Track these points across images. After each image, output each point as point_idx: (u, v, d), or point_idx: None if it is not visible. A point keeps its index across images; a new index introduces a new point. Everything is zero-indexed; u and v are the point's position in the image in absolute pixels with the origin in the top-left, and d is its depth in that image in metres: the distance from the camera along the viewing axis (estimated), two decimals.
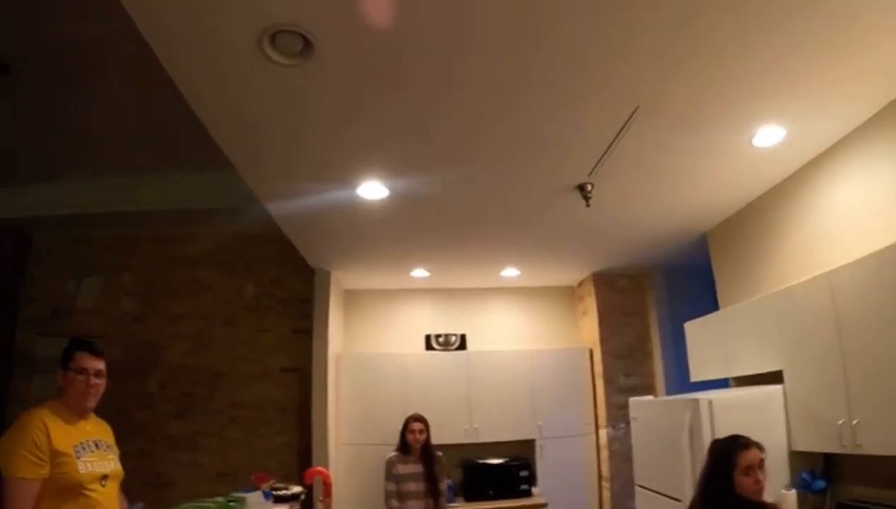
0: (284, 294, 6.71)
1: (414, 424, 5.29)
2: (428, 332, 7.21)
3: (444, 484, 5.30)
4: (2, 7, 3.48)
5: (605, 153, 3.74)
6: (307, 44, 2.55)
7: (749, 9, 2.46)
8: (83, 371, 2.74)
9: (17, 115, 4.68)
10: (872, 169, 3.49)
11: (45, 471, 2.48)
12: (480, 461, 6.47)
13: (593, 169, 3.98)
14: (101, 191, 5.98)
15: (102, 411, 2.92)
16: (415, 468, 5.18)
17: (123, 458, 2.93)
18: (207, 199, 5.92)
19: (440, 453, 5.32)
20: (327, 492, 4.10)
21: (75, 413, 2.74)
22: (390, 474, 5.19)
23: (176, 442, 6.29)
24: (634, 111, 3.25)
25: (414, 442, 5.24)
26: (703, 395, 3.83)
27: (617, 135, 3.51)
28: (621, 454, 6.16)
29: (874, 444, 3.06)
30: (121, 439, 2.99)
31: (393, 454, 5.30)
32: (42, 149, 5.34)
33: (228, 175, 4.13)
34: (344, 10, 2.37)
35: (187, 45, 2.58)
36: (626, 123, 3.37)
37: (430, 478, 5.12)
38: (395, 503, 5.07)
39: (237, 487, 3.57)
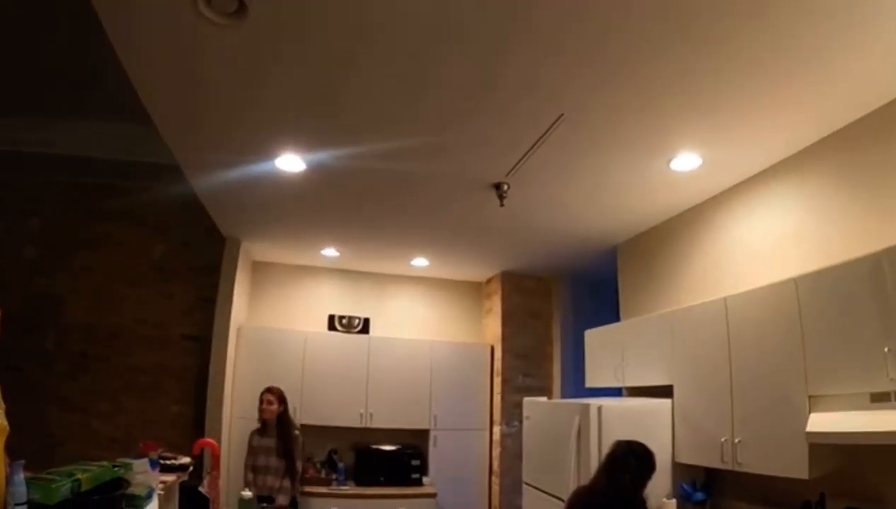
0: (193, 259, 6.47)
1: (264, 395, 5.13)
2: (332, 313, 7.15)
3: (299, 462, 5.04)
4: None
5: (525, 155, 3.79)
6: (241, 5, 2.49)
7: (671, 41, 2.59)
8: None
9: None
10: (775, 208, 3.74)
11: None
12: (374, 446, 6.48)
13: (512, 169, 4.03)
14: (15, 129, 5.66)
15: None
16: (269, 442, 5.02)
17: (13, 415, 2.80)
18: (126, 152, 5.69)
19: (297, 431, 5.14)
20: (215, 465, 4.03)
21: None
22: (248, 447, 5.12)
23: (69, 403, 5.99)
24: (559, 118, 3.30)
25: (264, 414, 5.09)
26: (594, 401, 3.98)
27: (539, 139, 3.56)
28: (513, 451, 6.31)
29: (753, 463, 3.28)
30: (12, 396, 2.85)
31: (256, 427, 5.21)
32: None
33: (151, 130, 3.99)
34: None
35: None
36: (549, 129, 3.42)
37: (285, 454, 4.93)
38: (249, 476, 4.96)
39: (128, 453, 3.46)
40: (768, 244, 3.77)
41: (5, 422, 2.74)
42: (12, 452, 2.74)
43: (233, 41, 2.78)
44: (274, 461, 4.92)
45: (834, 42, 2.56)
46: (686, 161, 3.77)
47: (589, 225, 5.15)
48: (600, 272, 6.21)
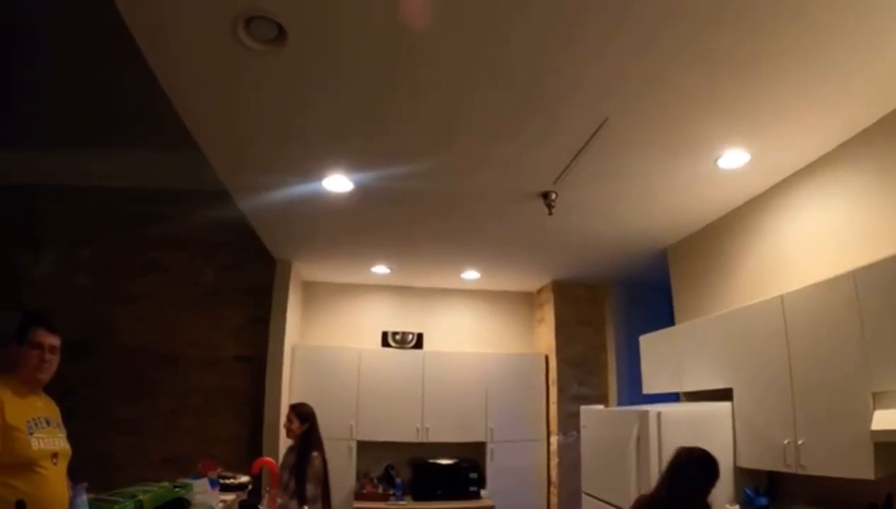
0: (243, 281, 6.60)
1: (288, 413, 4.76)
2: (385, 329, 7.20)
3: (311, 485, 4.36)
4: None
5: (571, 162, 3.77)
6: (281, 31, 2.55)
7: (724, 43, 2.55)
8: (38, 345, 2.70)
9: None
10: (829, 199, 3.62)
11: None
12: (431, 460, 6.48)
13: (559, 177, 4.02)
14: (64, 162, 5.87)
15: (50, 389, 2.87)
16: (290, 458, 4.62)
17: (70, 438, 2.88)
18: (173, 180, 5.85)
19: (316, 453, 4.53)
20: (273, 483, 4.08)
21: (28, 388, 2.69)
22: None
23: (124, 425, 6.16)
24: (603, 123, 3.28)
25: (287, 433, 4.72)
26: (652, 408, 3.90)
27: (584, 146, 3.54)
28: (571, 461, 6.22)
29: (817, 465, 3.16)
30: (68, 418, 2.93)
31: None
32: (7, 112, 5.20)
33: (197, 157, 4.09)
34: (321, 1, 2.38)
35: (164, 28, 2.56)
36: (594, 134, 3.40)
37: (297, 474, 4.43)
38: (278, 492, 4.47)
39: (183, 474, 3.53)
40: (822, 237, 3.66)
41: (68, 446, 2.84)
42: (73, 474, 2.83)
43: (275, 67, 2.85)
44: (286, 477, 4.52)
45: (887, 27, 2.48)
46: (733, 158, 3.69)
47: (638, 228, 5.09)
48: (652, 276, 6.13)
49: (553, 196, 4.28)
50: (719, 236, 4.75)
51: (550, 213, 4.37)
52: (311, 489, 4.39)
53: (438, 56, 2.73)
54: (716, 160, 3.73)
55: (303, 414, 4.72)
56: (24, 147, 5.77)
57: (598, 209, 4.67)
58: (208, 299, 6.52)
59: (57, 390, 2.90)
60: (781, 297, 3.52)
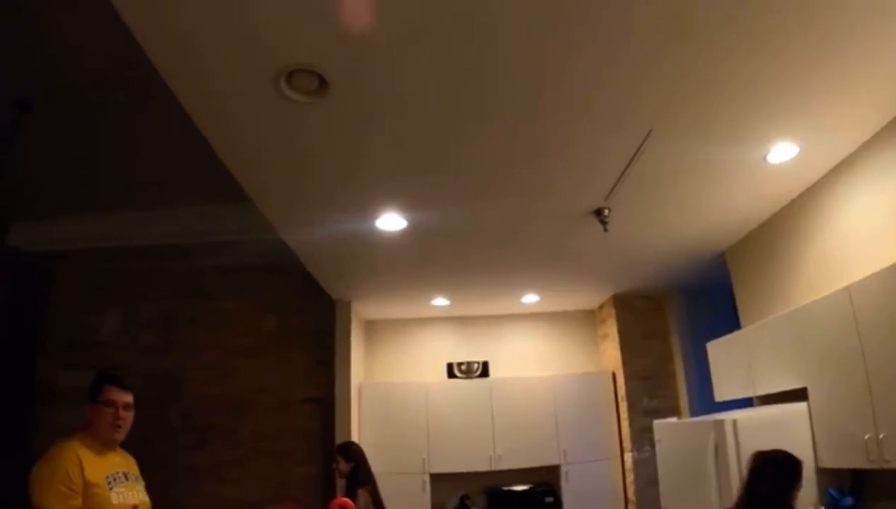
0: (305, 325, 6.71)
1: (335, 454, 4.96)
2: (449, 360, 7.21)
3: None
4: (23, 48, 3.60)
5: (620, 177, 3.76)
6: (322, 82, 2.62)
7: (760, 28, 2.49)
8: (112, 403, 2.79)
9: (36, 151, 4.78)
10: (886, 180, 3.48)
11: (78, 503, 2.51)
12: (505, 488, 6.42)
13: (609, 193, 4.00)
14: (120, 224, 6.07)
15: (125, 442, 2.94)
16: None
17: (147, 489, 2.95)
18: (229, 232, 5.99)
19: (362, 489, 4.60)
20: None
21: (104, 445, 2.78)
22: None
23: (198, 473, 6.27)
24: (648, 134, 3.27)
25: (336, 473, 4.90)
26: (727, 415, 3.81)
27: (632, 159, 3.53)
28: (647, 477, 6.07)
29: None
30: (143, 470, 3.01)
31: None
32: (62, 184, 5.45)
33: (247, 206, 4.19)
34: (358, 51, 2.45)
35: (206, 85, 2.66)
36: (640, 146, 3.39)
37: None
38: None
39: None
40: (883, 220, 3.51)
41: (147, 498, 2.91)
42: None
43: (321, 115, 2.92)
44: None
45: None
46: (782, 151, 3.60)
47: (693, 234, 5.00)
48: (713, 281, 5.99)
49: (606, 212, 4.26)
50: (777, 232, 4.62)
51: (606, 230, 4.35)
52: None
53: (492, 89, 2.79)
54: (765, 156, 3.65)
55: (348, 453, 4.89)
56: (88, 214, 6.01)
57: (652, 218, 4.62)
58: (273, 344, 6.65)
59: (131, 443, 2.98)
60: (848, 289, 3.40)
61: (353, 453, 4.92)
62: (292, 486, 6.09)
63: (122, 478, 2.76)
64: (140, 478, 2.95)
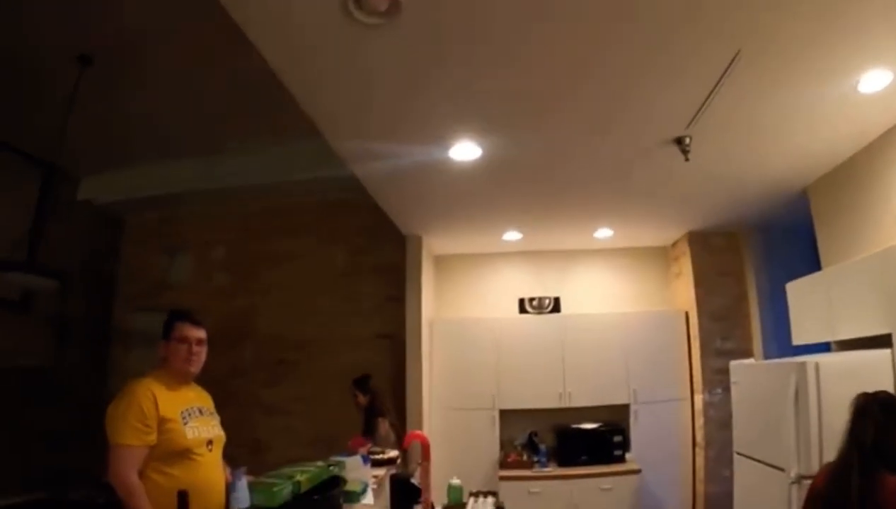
0: (376, 261, 6.77)
1: (351, 388, 5.28)
2: (521, 296, 7.17)
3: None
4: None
5: (705, 102, 3.55)
6: (394, 2, 2.52)
7: None
8: (185, 339, 2.88)
9: (98, 105, 4.93)
10: None
11: (153, 438, 2.60)
12: (574, 426, 6.44)
13: (692, 120, 3.80)
14: (188, 169, 6.22)
15: (199, 381, 3.04)
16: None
17: (223, 425, 3.05)
18: (296, 170, 6.04)
19: (380, 419, 5.07)
20: (426, 456, 4.16)
21: (179, 380, 2.87)
22: None
23: (271, 409, 6.50)
24: (736, 56, 3.06)
25: (355, 406, 5.24)
26: (809, 359, 3.67)
27: (717, 83, 3.32)
28: (718, 421, 6.00)
29: None
30: (219, 407, 3.11)
31: None
32: (128, 135, 5.66)
33: (316, 144, 4.19)
34: None
35: (272, 12, 2.60)
36: (726, 69, 3.18)
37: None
38: None
39: (332, 452, 3.65)
40: None
41: (222, 432, 3.01)
42: (228, 459, 2.99)
43: (389, 39, 2.83)
44: None
45: None
46: (875, 80, 3.34)
47: (775, 168, 4.75)
48: (792, 220, 5.73)
49: (687, 140, 4.06)
50: (864, 169, 4.36)
51: (687, 159, 4.15)
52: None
53: (568, 3, 2.64)
54: (856, 84, 3.40)
55: (365, 387, 5.21)
56: (154, 162, 6.17)
57: (734, 150, 4.40)
58: (344, 281, 6.74)
59: (206, 382, 3.08)
60: None
61: (370, 386, 5.20)
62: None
63: (197, 413, 2.84)
64: (215, 414, 3.03)
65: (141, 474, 2.55)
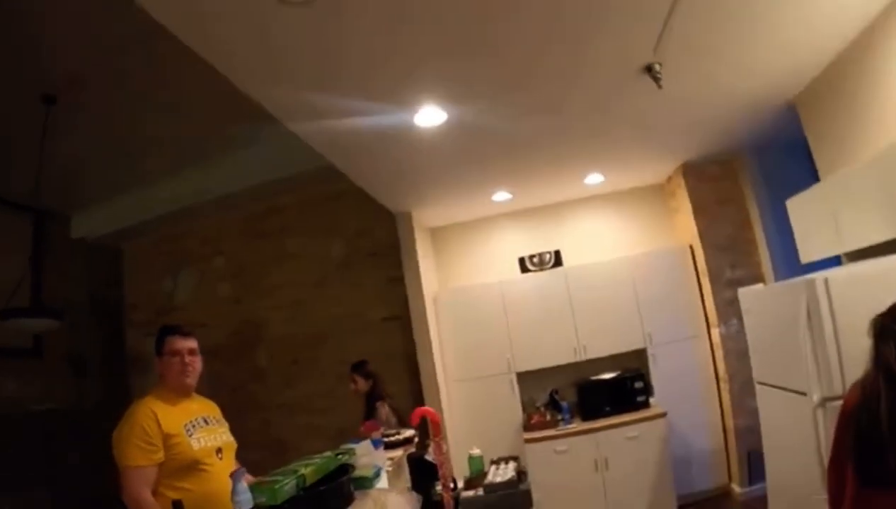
0: (372, 245, 6.73)
1: (350, 375, 5.28)
2: (521, 255, 7.06)
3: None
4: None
5: (664, 26, 3.39)
6: None
7: None
8: (176, 352, 2.90)
9: (72, 138, 4.97)
10: None
11: (160, 456, 2.62)
12: (593, 378, 6.36)
13: (657, 44, 3.63)
14: (173, 188, 6.22)
15: (218, 391, 3.10)
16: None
17: (245, 431, 3.05)
18: (277, 169, 5.98)
19: (380, 402, 5.07)
20: (436, 431, 4.08)
21: (178, 394, 2.89)
22: None
23: (293, 408, 6.48)
24: None
25: (353, 393, 5.24)
26: (817, 275, 3.51)
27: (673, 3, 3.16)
28: (737, 352, 5.87)
29: None
30: (240, 412, 3.09)
31: None
32: (109, 163, 5.67)
33: (293, 141, 4.10)
34: None
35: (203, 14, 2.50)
36: None
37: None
38: None
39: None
40: None
41: (231, 439, 3.00)
42: (247, 463, 2.93)
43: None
44: None
45: None
46: None
47: (756, 82, 4.56)
48: (785, 136, 5.57)
49: (657, 67, 3.89)
50: (849, 71, 4.17)
51: (659, 86, 3.97)
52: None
53: None
54: None
55: (365, 371, 5.23)
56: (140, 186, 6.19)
57: (708, 71, 4.21)
58: (344, 271, 6.73)
59: (225, 390, 3.05)
60: None
61: (370, 370, 5.22)
62: None
63: (202, 423, 2.85)
64: (223, 421, 3.07)
65: (154, 492, 2.59)
